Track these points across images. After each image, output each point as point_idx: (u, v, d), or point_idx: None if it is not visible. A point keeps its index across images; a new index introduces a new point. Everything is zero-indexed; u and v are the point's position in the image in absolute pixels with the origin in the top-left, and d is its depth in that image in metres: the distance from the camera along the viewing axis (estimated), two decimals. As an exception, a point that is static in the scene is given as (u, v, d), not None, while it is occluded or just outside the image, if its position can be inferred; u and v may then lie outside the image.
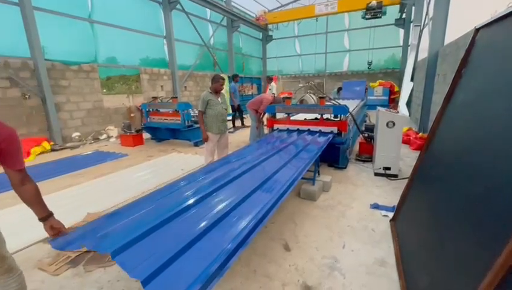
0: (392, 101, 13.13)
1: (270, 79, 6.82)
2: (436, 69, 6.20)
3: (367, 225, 2.51)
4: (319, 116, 4.38)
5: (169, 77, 10.06)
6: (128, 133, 6.28)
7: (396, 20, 13.88)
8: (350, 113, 4.33)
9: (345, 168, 4.25)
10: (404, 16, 13.56)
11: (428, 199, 1.96)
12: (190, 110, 6.19)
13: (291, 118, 4.71)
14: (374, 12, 12.85)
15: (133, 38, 8.65)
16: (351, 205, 2.95)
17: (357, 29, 15.11)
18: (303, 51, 17.05)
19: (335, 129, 4.17)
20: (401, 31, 13.99)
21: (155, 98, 6.42)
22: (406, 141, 5.80)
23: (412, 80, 10.09)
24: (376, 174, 3.88)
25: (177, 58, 10.36)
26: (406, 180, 3.65)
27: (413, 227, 2.11)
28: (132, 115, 8.43)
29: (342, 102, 7.77)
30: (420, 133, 6.36)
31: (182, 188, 2.14)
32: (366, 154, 4.63)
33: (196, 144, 6.17)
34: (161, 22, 9.70)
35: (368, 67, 14.79)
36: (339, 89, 13.73)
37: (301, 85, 17.16)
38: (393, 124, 3.59)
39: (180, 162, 4.91)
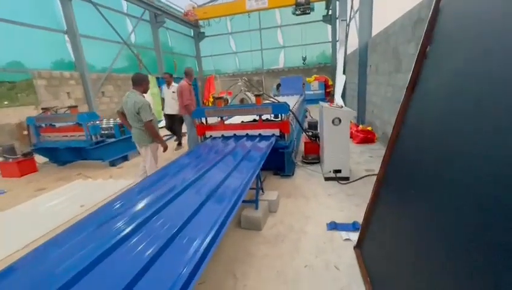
0: (327, 94, 13.58)
1: (169, 76, 5.78)
2: (367, 60, 6.21)
3: (328, 260, 1.91)
4: (257, 118, 3.71)
5: (78, 81, 8.20)
6: (10, 160, 4.60)
7: (323, 16, 14.41)
8: (291, 112, 3.78)
9: (292, 175, 3.69)
10: (330, 12, 14.15)
11: (405, 218, 1.43)
12: (98, 122, 4.86)
13: (225, 122, 3.93)
14: (303, 8, 13.02)
15: (19, 33, 6.66)
16: (304, 229, 2.33)
17: (289, 26, 15.22)
18: (238, 48, 16.48)
19: (277, 131, 3.56)
20: (329, 27, 14.61)
21: (45, 109, 4.85)
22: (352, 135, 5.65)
23: (344, 72, 10.44)
24: (326, 178, 3.41)
25: (94, 59, 8.59)
26: (359, 182, 3.42)
27: (387, 258, 1.57)
28: (25, 132, 6.48)
29: (281, 99, 7.37)
30: (360, 126, 6.36)
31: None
32: (313, 155, 4.18)
33: (113, 164, 4.88)
34: (59, 13, 7.79)
35: (303, 63, 15.07)
36: (278, 85, 13.60)
37: (239, 83, 16.66)
38: (340, 120, 3.14)
39: (84, 193, 3.65)
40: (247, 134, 3.69)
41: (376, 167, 3.06)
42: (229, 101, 14.60)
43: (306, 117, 9.17)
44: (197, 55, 16.68)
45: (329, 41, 14.79)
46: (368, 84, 6.17)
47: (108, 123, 5.15)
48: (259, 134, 3.64)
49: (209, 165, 2.46)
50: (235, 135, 3.73)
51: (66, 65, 8.05)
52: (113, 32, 9.30)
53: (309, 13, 13.23)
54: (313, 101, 13.41)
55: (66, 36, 7.93)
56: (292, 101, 8.79)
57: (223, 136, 3.76)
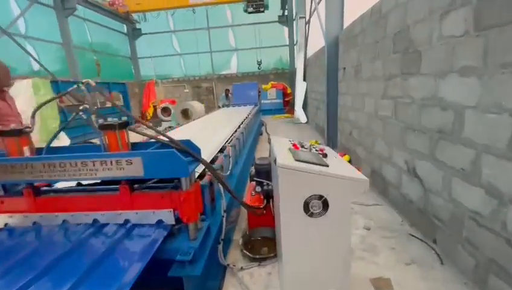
0: (286, 104, 11.96)
1: None
2: (338, 62, 4.48)
3: None
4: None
5: None
6: None
7: (279, 17, 12.90)
8: (208, 166, 1.62)
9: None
10: (286, 12, 12.69)
11: None
12: None
13: (43, 188, 1.65)
14: (255, 4, 11.32)
15: None
16: None
17: (241, 26, 13.37)
18: (183, 49, 14.08)
19: (168, 215, 1.41)
20: (286, 29, 13.14)
21: None
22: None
23: (304, 79, 8.84)
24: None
25: None
26: None
27: None
28: None
29: (229, 110, 5.43)
30: (331, 151, 4.59)
31: None
32: (264, 231, 2.14)
33: None
34: None
35: (258, 68, 13.32)
36: (227, 91, 11.54)
37: (186, 90, 14.22)
38: (324, 205, 1.12)
39: None
40: (95, 221, 1.46)
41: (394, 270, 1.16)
42: (172, 112, 12.12)
43: (261, 134, 7.24)
44: (132, 55, 13.80)
45: (286, 45, 13.31)
46: (341, 94, 4.42)
47: None
48: (126, 221, 1.45)
49: None
50: (64, 222, 1.48)
51: None
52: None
53: (263, 11, 11.53)
54: (270, 111, 11.62)
55: None
56: (243, 113, 6.79)
57: (35, 224, 1.48)
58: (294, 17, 12.18)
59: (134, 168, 1.28)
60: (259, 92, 11.93)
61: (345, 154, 4.16)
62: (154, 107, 12.41)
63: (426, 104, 1.99)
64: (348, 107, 4.05)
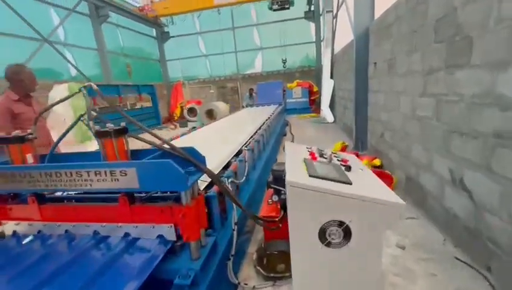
0: (312, 103, 11.52)
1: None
2: (368, 56, 4.09)
3: None
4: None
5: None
6: None
7: (305, 13, 12.47)
8: (211, 175, 1.44)
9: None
10: (313, 8, 12.23)
11: None
12: None
13: (48, 195, 1.61)
14: (280, 1, 11.05)
15: None
16: None
17: (266, 24, 13.17)
18: (209, 50, 14.25)
19: (168, 230, 1.28)
20: (312, 25, 12.67)
21: None
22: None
23: (331, 76, 8.40)
24: None
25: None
26: None
27: None
28: None
29: (252, 110, 5.30)
30: (360, 153, 4.20)
31: None
32: (281, 244, 1.93)
33: None
34: None
35: (283, 66, 13.01)
36: (251, 91, 11.41)
37: (212, 91, 14.38)
38: (348, 234, 0.90)
39: None
40: (95, 233, 1.38)
41: None
42: (197, 112, 12.31)
43: (285, 135, 6.98)
44: (161, 58, 14.29)
45: (312, 42, 12.84)
46: (372, 91, 4.03)
47: None
48: (126, 234, 1.34)
49: None
50: (66, 231, 1.41)
51: None
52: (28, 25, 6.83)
53: (288, 8, 11.23)
54: (296, 110, 11.25)
55: None
56: (265, 113, 6.58)
57: (39, 232, 1.44)
58: (321, 12, 11.71)
59: (129, 179, 1.15)
60: (284, 90, 11.64)
61: (375, 158, 3.78)
62: (181, 108, 12.72)
63: (479, 102, 1.63)
64: (380, 106, 3.67)
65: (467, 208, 1.81)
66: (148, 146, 1.46)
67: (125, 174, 1.14)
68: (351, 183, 0.94)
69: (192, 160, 1.26)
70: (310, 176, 0.94)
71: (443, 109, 2.06)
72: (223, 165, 2.19)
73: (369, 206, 0.85)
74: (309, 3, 12.15)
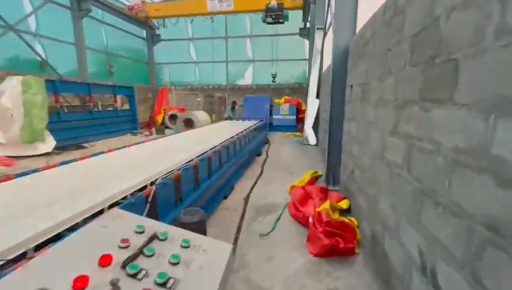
0: (300, 121, 11.01)
1: None
2: (345, 78, 3.55)
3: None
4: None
5: None
6: None
7: (300, 29, 12.17)
8: None
9: None
10: (308, 24, 11.95)
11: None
12: None
13: None
14: (274, 15, 10.72)
15: None
16: None
17: (259, 36, 12.84)
18: (199, 57, 13.80)
19: None
20: (307, 43, 12.36)
21: None
22: (298, 217, 2.81)
23: (317, 96, 7.90)
24: None
25: None
26: None
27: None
28: None
29: (229, 124, 4.82)
30: (330, 188, 3.56)
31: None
32: None
33: None
34: None
35: (273, 81, 12.59)
36: (233, 104, 10.87)
37: (199, 99, 13.81)
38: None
39: None
40: None
41: None
42: (177, 119, 11.64)
43: (259, 155, 6.32)
44: (149, 61, 13.77)
45: (305, 59, 12.49)
46: (347, 118, 3.46)
47: None
48: None
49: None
50: None
51: None
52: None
53: (282, 22, 10.89)
54: (282, 128, 10.70)
55: None
56: (240, 128, 5.88)
57: None
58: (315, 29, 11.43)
59: None
60: (272, 106, 11.14)
61: (344, 198, 3.15)
62: (164, 113, 12.10)
63: (464, 162, 1.03)
64: (352, 136, 3.09)
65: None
66: None
67: None
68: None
69: None
70: None
71: (415, 158, 1.45)
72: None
73: None
74: (304, 19, 11.87)
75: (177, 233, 0.86)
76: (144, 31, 13.24)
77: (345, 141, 3.54)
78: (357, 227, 2.49)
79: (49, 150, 6.13)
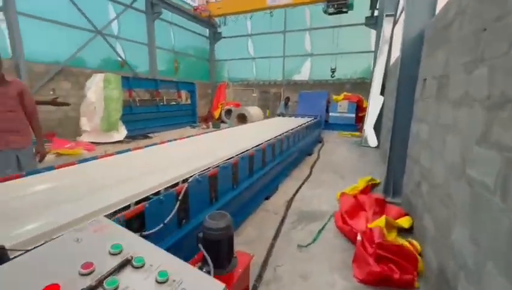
0: (360, 120, 10.06)
1: None
2: (417, 70, 2.94)
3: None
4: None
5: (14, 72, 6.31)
6: None
7: (367, 18, 11.02)
8: None
9: None
10: (376, 13, 10.72)
11: None
12: None
13: None
14: (337, 4, 9.91)
15: None
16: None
17: (319, 29, 12.14)
18: (257, 53, 13.86)
19: None
20: (373, 34, 11.13)
21: None
22: (345, 231, 2.43)
23: (382, 93, 7.01)
24: None
25: (51, 47, 6.89)
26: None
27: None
28: None
29: (281, 120, 4.72)
30: (388, 200, 3.04)
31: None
32: None
33: None
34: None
35: (331, 76, 11.78)
36: (287, 100, 10.53)
37: (254, 94, 13.92)
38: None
39: None
40: None
41: None
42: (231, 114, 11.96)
43: (310, 154, 5.93)
44: (210, 58, 14.50)
45: (371, 51, 11.29)
46: (416, 119, 2.88)
47: None
48: None
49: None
50: None
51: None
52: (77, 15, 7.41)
53: (346, 12, 10.01)
54: (339, 126, 9.94)
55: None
56: (290, 125, 5.54)
57: None
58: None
59: None
60: (329, 102, 10.46)
61: (406, 215, 2.64)
62: (221, 108, 12.62)
63: None
64: (422, 141, 2.53)
65: None
66: None
67: None
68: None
69: None
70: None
71: (518, 181, 1.01)
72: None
73: None
74: (372, 7, 10.68)
75: (159, 259, 0.70)
76: (207, 30, 13.96)
77: (412, 145, 2.96)
78: (419, 254, 2.01)
79: (121, 138, 6.98)
